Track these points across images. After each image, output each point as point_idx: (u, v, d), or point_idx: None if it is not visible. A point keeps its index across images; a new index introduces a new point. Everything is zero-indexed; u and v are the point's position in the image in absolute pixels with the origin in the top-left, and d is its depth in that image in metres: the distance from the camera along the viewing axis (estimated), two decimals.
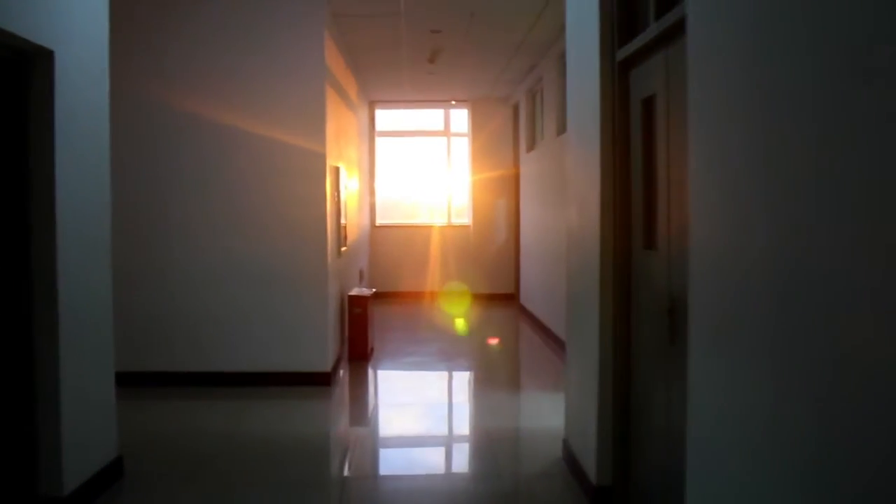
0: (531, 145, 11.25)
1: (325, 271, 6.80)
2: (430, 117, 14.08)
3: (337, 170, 7.69)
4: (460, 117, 13.86)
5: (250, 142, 6.73)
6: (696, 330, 2.68)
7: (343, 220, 8.16)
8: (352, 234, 9.39)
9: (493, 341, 9.71)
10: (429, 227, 13.63)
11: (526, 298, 11.55)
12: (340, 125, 8.35)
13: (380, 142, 13.87)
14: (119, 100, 6.83)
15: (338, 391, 6.90)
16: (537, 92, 10.82)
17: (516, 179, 12.89)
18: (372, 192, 13.50)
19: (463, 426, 6.24)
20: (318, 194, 6.79)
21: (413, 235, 13.56)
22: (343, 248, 8.07)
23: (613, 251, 3.87)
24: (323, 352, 6.84)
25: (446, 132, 13.90)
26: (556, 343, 8.78)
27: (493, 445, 5.34)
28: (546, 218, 9.63)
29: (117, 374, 6.75)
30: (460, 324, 10.79)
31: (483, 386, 7.38)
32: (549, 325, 9.46)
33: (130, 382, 6.63)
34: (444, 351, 9.11)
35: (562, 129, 8.80)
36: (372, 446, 5.60)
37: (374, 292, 12.95)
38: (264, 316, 6.78)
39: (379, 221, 13.72)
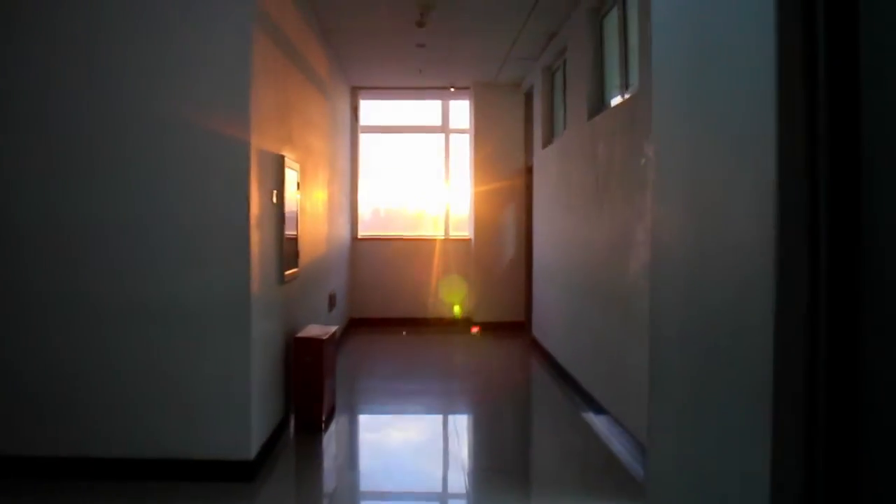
0: (548, 138, 8.93)
1: (247, 306, 4.49)
2: (425, 110, 11.79)
3: (279, 162, 5.39)
4: (461, 110, 11.57)
5: (129, 117, 4.45)
6: None
7: (293, 232, 5.86)
8: (313, 250, 7.08)
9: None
10: (421, 241, 11.31)
11: (540, 330, 9.21)
12: (290, 102, 6.05)
13: (366, 139, 11.58)
14: None
15: (265, 492, 4.53)
16: (558, 69, 8.51)
17: (528, 182, 10.58)
18: (354, 199, 11.19)
19: None
20: (236, 195, 4.48)
21: (402, 250, 11.23)
22: (292, 271, 5.76)
23: (813, 301, 1.51)
24: (242, 429, 4.51)
25: (444, 127, 11.61)
26: (579, 396, 6.43)
27: None
28: (570, 228, 7.30)
29: None
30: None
31: (485, 481, 5.01)
32: (573, 374, 7.11)
33: None
34: (434, 406, 6.79)
35: (595, 109, 6.49)
36: None
37: (352, 319, 10.71)
38: (152, 374, 4.47)
39: (361, 233, 11.39)
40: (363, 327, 10.73)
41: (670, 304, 2.27)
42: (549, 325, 8.63)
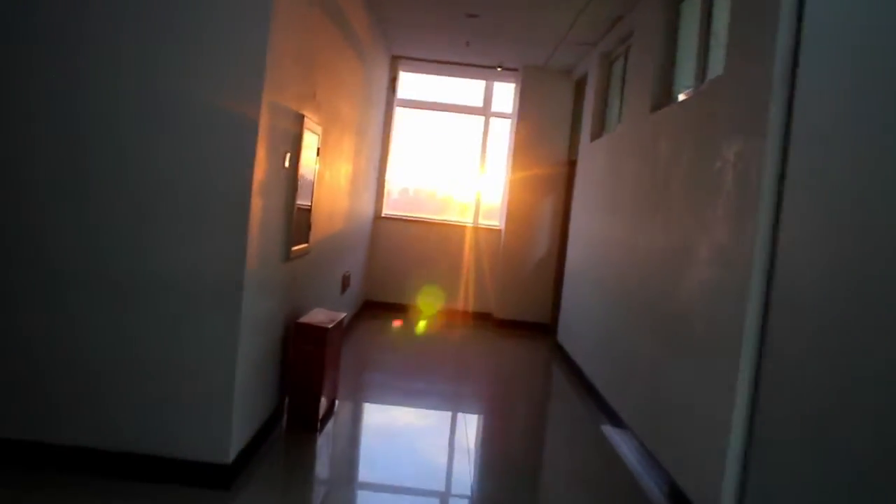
0: (598, 131, 8.20)
1: (241, 284, 3.85)
2: (467, 90, 11.08)
3: (298, 121, 4.75)
4: (504, 93, 10.84)
5: (108, 57, 3.81)
6: None
7: (307, 202, 5.22)
8: (329, 225, 6.44)
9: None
10: (449, 227, 10.64)
11: (566, 336, 8.52)
12: (319, 59, 5.40)
13: (402, 114, 10.89)
14: None
15: (242, 503, 3.91)
16: (618, 57, 7.76)
17: (569, 176, 9.87)
18: (382, 175, 10.53)
19: None
20: (239, 153, 3.83)
21: (427, 234, 10.57)
22: (300, 247, 5.13)
23: None
24: (221, 428, 3.89)
25: (486, 110, 10.90)
26: (604, 413, 5.73)
27: None
28: (614, 231, 6.59)
29: None
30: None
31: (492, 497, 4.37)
32: (600, 389, 6.42)
33: None
34: (444, 408, 6.15)
35: (660, 102, 5.77)
36: None
37: (367, 303, 10.09)
38: (119, 353, 3.85)
39: (386, 212, 10.73)
40: (378, 312, 10.11)
41: (801, 355, 1.61)
42: (576, 331, 7.94)
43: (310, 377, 4.92)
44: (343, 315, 5.57)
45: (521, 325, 10.07)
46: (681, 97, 5.39)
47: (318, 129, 5.38)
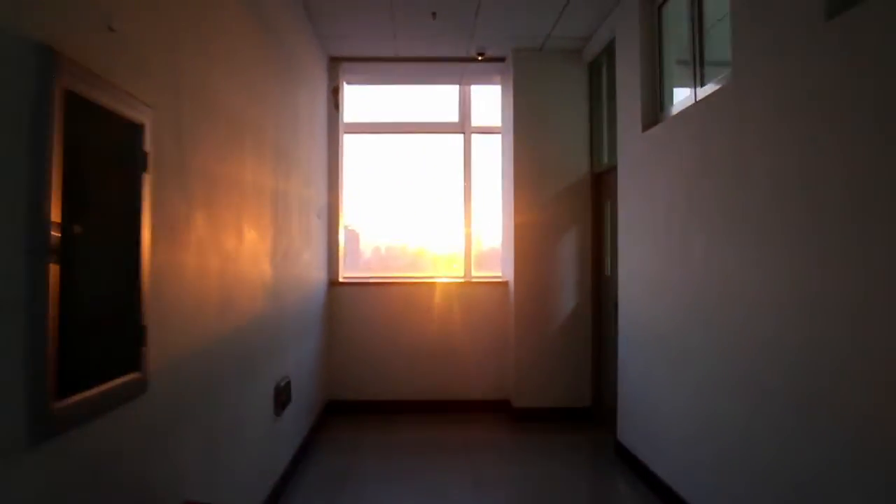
0: (653, 114, 5.31)
1: None
2: (436, 101, 8.21)
3: (43, 61, 1.77)
4: (489, 98, 7.98)
5: None
6: None
7: (121, 272, 2.23)
8: (222, 312, 3.42)
9: None
10: (433, 285, 7.60)
11: (636, 435, 5.48)
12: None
13: (352, 142, 7.97)
14: None
15: None
16: None
17: (596, 197, 6.99)
18: (334, 223, 7.52)
19: None
20: None
21: (406, 299, 7.53)
22: (108, 385, 2.10)
23: None
24: None
25: (464, 125, 8.00)
26: None
27: None
28: (733, 263, 3.65)
29: None
30: None
31: None
32: None
33: None
34: None
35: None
36: None
37: (331, 405, 6.81)
38: None
39: (345, 275, 7.69)
40: (347, 418, 7.02)
41: None
42: (657, 429, 4.92)
43: None
44: None
45: (551, 415, 7.02)
46: None
47: (143, 113, 2.40)
